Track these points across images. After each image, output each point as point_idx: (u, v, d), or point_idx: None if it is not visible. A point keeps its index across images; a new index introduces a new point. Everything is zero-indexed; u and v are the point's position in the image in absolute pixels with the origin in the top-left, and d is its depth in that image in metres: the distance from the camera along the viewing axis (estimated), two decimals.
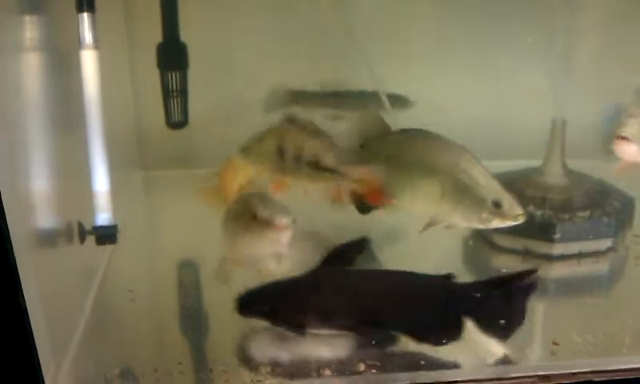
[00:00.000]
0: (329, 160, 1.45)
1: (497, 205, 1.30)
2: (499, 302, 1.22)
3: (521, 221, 1.32)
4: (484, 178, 1.32)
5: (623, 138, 1.44)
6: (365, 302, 1.23)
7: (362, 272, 1.35)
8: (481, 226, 1.33)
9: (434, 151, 1.37)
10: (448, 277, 1.26)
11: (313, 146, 1.45)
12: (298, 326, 1.20)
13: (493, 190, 1.32)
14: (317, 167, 1.45)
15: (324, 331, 1.22)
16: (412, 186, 1.36)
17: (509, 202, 1.31)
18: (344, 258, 1.38)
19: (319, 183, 1.46)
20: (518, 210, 1.31)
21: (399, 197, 1.39)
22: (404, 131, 1.45)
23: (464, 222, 1.34)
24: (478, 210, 1.31)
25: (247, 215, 1.21)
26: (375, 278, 1.33)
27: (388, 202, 1.41)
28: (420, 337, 1.20)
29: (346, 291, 1.26)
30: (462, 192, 1.31)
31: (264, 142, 1.50)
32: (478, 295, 1.24)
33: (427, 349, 1.19)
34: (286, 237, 1.21)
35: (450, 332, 1.20)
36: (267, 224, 1.19)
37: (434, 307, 1.24)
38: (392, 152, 1.41)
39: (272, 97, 1.81)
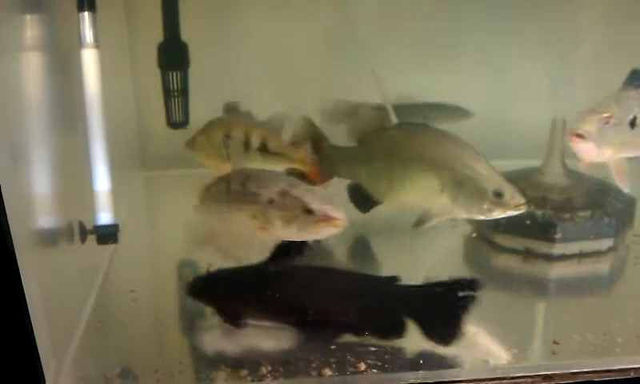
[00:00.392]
0: (275, 143, 1.48)
1: (498, 195, 1.30)
2: (440, 306, 1.22)
3: (523, 210, 1.32)
4: (484, 169, 1.32)
5: (578, 135, 1.31)
6: (308, 298, 1.23)
7: (308, 268, 1.31)
8: (482, 217, 1.33)
9: (434, 145, 1.37)
10: (393, 279, 1.26)
11: (259, 131, 1.50)
12: (238, 317, 1.22)
13: (494, 180, 1.32)
14: (265, 151, 1.50)
15: (266, 323, 1.23)
16: (411, 180, 1.36)
17: (510, 191, 1.31)
18: (292, 252, 1.37)
19: (269, 166, 1.49)
20: (520, 200, 1.31)
21: (399, 191, 1.39)
22: (402, 125, 1.45)
23: (465, 213, 1.34)
24: (480, 201, 1.31)
25: (296, 207, 1.17)
26: (320, 274, 1.31)
27: (325, 181, 1.49)
28: (360, 335, 1.21)
29: (290, 286, 1.25)
30: (463, 183, 1.31)
31: (210, 133, 1.55)
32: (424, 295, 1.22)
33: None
34: (339, 230, 1.17)
35: (391, 332, 1.20)
36: (323, 218, 1.15)
37: (376, 307, 1.23)
38: (390, 147, 1.41)
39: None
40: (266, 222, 1.19)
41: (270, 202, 1.18)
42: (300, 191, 1.18)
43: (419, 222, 1.40)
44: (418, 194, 1.38)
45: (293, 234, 1.18)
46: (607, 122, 1.31)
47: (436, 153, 1.35)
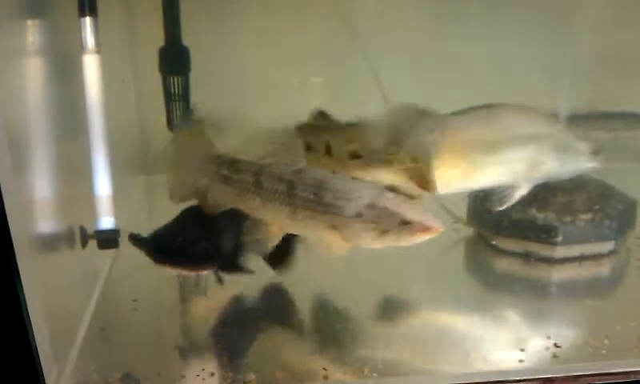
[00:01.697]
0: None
1: (595, 152, 1.40)
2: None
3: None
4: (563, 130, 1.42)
5: None
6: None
7: None
8: (563, 177, 1.42)
9: (521, 121, 1.41)
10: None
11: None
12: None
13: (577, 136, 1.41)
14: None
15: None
16: (498, 162, 1.38)
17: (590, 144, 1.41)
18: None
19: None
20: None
21: (476, 178, 1.40)
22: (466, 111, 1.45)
23: (552, 175, 1.41)
24: (578, 161, 1.40)
25: (391, 219, 1.11)
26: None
27: None
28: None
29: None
30: (563, 149, 1.39)
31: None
32: None
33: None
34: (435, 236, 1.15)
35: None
36: (422, 229, 1.12)
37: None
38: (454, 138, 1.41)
39: None
40: (354, 235, 1.14)
41: (358, 215, 1.12)
42: (387, 201, 1.13)
43: (502, 200, 1.43)
44: (500, 176, 1.41)
45: (384, 244, 1.14)
46: None
47: (523, 127, 1.40)
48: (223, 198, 1.27)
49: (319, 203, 1.14)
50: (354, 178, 1.18)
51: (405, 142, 1.40)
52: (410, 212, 1.11)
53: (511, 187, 1.42)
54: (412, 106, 1.43)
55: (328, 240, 1.16)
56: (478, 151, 1.38)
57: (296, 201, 1.16)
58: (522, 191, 1.42)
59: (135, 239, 1.31)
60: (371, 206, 1.12)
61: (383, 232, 1.12)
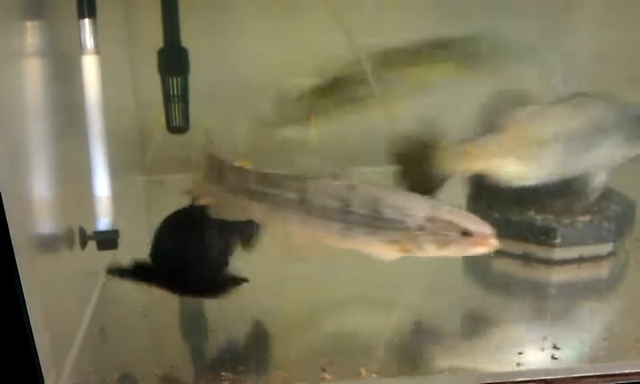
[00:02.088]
0: None
1: None
2: None
3: None
4: None
5: None
6: None
7: None
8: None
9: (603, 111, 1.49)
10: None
11: None
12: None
13: None
14: None
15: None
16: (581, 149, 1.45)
17: None
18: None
19: None
20: None
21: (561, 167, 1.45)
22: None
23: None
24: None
25: (452, 231, 1.14)
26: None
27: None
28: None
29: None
30: None
31: None
32: None
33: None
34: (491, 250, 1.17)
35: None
36: (481, 240, 1.14)
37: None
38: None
39: None
40: (414, 247, 1.15)
41: (420, 228, 1.14)
42: (446, 213, 1.15)
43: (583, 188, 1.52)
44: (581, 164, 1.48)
45: (447, 254, 1.16)
46: None
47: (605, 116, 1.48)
48: (243, 212, 1.26)
49: (377, 218, 1.15)
50: (406, 193, 1.20)
51: (495, 126, 1.44)
52: (469, 223, 1.13)
53: (591, 175, 1.49)
54: (520, 91, 1.49)
55: (379, 252, 1.17)
56: (561, 141, 1.42)
57: (350, 217, 1.16)
58: (600, 179, 1.49)
59: (116, 272, 1.30)
60: (431, 219, 1.13)
61: (446, 243, 1.13)
